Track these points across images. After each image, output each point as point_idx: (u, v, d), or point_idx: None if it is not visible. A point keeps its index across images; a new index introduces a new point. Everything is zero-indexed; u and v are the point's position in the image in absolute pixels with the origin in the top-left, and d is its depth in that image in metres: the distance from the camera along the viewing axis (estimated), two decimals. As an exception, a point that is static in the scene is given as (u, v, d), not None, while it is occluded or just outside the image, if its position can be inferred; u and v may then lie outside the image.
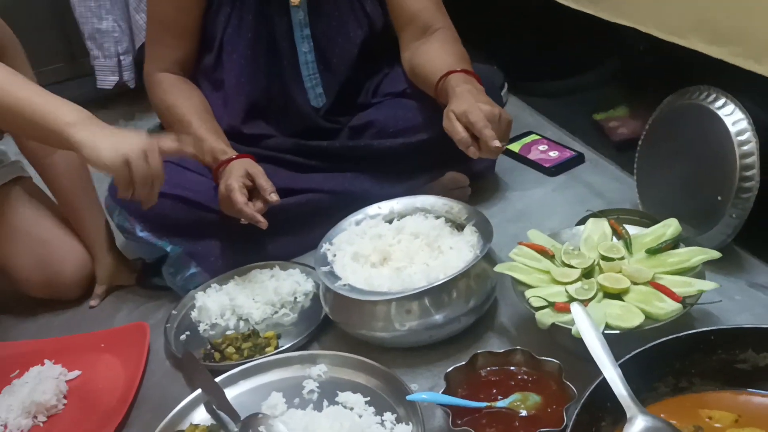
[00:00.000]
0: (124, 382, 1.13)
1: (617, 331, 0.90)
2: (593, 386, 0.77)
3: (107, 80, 2.16)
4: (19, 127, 1.01)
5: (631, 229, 1.08)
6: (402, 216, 1.21)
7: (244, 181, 1.22)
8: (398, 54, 1.40)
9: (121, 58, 2.15)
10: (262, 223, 1.20)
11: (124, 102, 2.24)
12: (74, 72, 2.29)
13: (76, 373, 1.18)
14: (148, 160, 0.95)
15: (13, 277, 1.36)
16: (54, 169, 1.36)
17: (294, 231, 1.34)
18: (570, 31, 1.51)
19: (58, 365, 1.19)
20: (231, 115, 1.37)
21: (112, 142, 0.93)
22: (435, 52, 1.32)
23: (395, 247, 1.14)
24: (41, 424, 1.09)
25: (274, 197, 1.22)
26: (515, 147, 1.58)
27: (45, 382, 1.14)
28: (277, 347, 1.14)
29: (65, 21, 2.18)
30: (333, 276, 1.10)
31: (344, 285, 1.08)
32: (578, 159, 1.51)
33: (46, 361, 1.20)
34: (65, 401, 1.13)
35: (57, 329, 1.33)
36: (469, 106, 1.14)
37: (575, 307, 0.87)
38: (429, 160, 1.37)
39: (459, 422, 0.87)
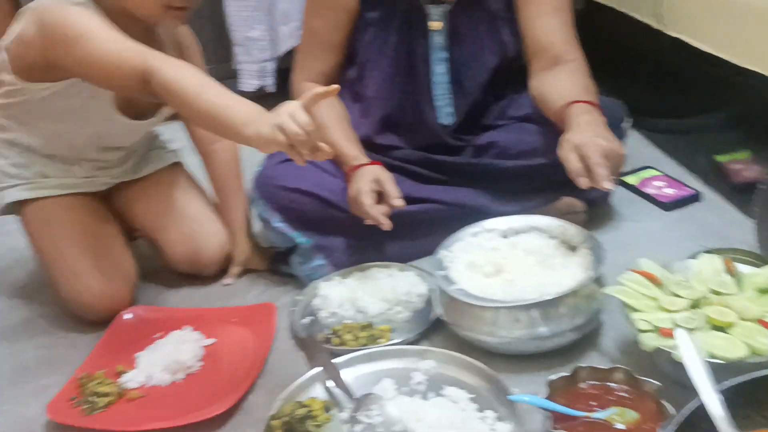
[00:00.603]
0: (253, 352, 1.23)
1: (720, 361, 0.93)
2: (691, 406, 0.81)
3: (250, 84, 2.36)
4: (206, 124, 1.16)
5: (744, 269, 1.09)
6: (517, 233, 1.27)
7: (372, 186, 1.32)
8: (525, 80, 1.45)
9: (265, 64, 2.35)
10: (386, 225, 1.29)
11: (262, 104, 2.41)
12: (219, 75, 2.49)
13: (212, 340, 1.29)
14: (296, 119, 1.02)
15: (161, 249, 1.50)
16: (215, 156, 1.53)
17: (413, 236, 1.42)
18: (697, 71, 1.53)
19: (197, 332, 1.31)
20: (367, 125, 1.48)
21: (268, 122, 1.04)
22: (563, 81, 1.35)
23: (509, 261, 1.20)
24: (180, 381, 1.21)
25: (398, 202, 1.31)
26: (633, 180, 1.61)
27: (185, 345, 1.26)
28: (389, 340, 1.22)
29: (217, 27, 2.39)
30: (448, 280, 1.18)
31: (459, 289, 1.16)
32: (695, 197, 1.53)
33: (186, 327, 1.32)
34: (202, 363, 1.24)
35: (195, 301, 1.46)
36: (587, 139, 1.15)
37: (680, 333, 0.92)
38: (546, 183, 1.41)
39: (557, 427, 0.94)
